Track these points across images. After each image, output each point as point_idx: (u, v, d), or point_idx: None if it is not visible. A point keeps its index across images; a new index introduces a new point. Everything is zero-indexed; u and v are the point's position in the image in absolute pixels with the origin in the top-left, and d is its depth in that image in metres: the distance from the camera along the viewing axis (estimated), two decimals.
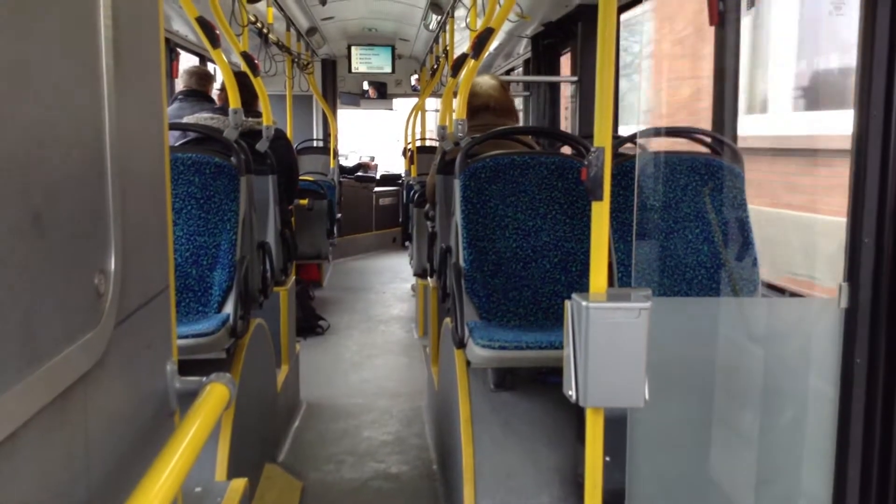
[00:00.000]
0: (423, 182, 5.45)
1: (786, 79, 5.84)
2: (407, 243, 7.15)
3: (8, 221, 0.78)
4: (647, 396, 1.65)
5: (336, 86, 10.44)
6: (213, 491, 1.87)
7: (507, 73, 7.76)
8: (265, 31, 5.76)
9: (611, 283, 2.02)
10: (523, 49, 6.84)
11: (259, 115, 4.01)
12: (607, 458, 1.73)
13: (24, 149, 0.82)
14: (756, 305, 2.50)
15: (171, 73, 5.32)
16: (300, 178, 5.28)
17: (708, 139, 3.09)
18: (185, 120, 3.74)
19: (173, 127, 3.52)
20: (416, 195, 6.02)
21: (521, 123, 4.40)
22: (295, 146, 6.56)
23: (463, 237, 2.86)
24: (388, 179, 11.10)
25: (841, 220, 1.86)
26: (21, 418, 0.80)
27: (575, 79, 5.41)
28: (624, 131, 4.54)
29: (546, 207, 2.93)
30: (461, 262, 2.85)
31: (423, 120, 8.95)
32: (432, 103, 9.77)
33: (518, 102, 7.33)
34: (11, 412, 0.77)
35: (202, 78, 4.46)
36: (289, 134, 6.72)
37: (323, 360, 5.49)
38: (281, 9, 6.15)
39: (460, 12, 5.48)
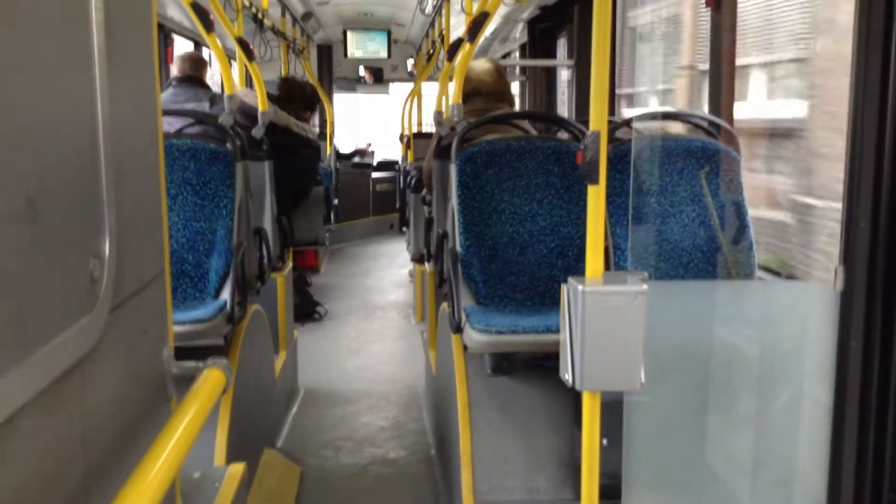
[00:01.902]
0: (420, 167, 5.44)
1: None
2: (404, 229, 7.15)
3: (2, 207, 0.78)
4: (643, 380, 1.65)
5: (332, 71, 10.40)
6: (212, 476, 1.87)
7: (504, 57, 7.74)
8: (260, 15, 5.72)
9: (607, 267, 2.02)
10: (520, 33, 6.82)
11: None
12: (604, 442, 1.73)
13: (17, 134, 0.81)
14: (752, 289, 2.50)
15: (166, 59, 5.29)
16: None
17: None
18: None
19: (169, 113, 3.51)
20: (413, 180, 6.01)
21: (516, 108, 4.40)
22: None
23: (459, 222, 2.86)
24: (385, 165, 11.07)
25: None
26: (17, 403, 0.80)
27: (571, 62, 5.39)
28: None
29: (542, 192, 2.92)
30: (458, 248, 2.85)
31: (419, 105, 8.92)
32: (429, 88, 9.74)
33: (514, 87, 7.32)
34: (7, 397, 0.77)
35: (196, 63, 4.44)
36: None
37: (321, 346, 5.50)
38: None
39: None
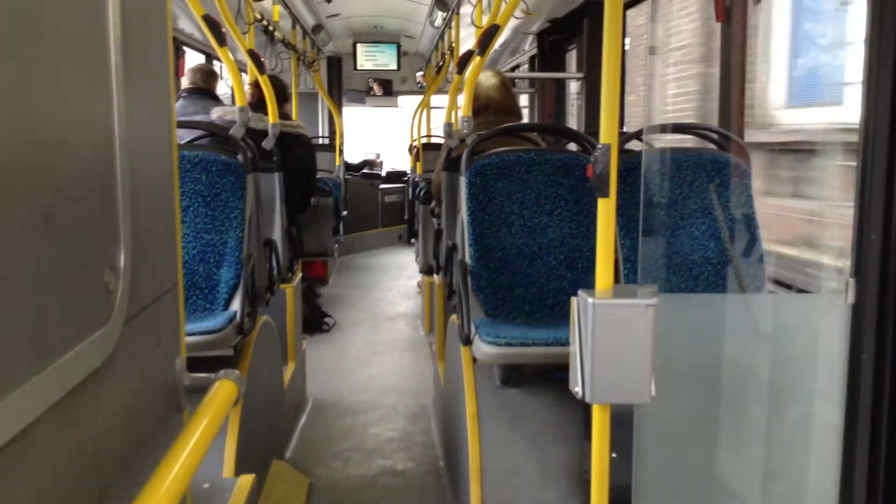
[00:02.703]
0: (429, 179, 5.45)
1: None
2: (413, 240, 7.16)
3: (19, 220, 0.78)
4: (653, 393, 1.65)
5: (341, 83, 10.45)
6: (222, 487, 1.87)
7: (513, 69, 7.76)
8: (271, 28, 5.77)
9: (617, 280, 2.02)
10: (529, 45, 6.84)
11: (287, 116, 4.05)
12: (614, 455, 1.73)
13: (34, 148, 0.82)
14: (762, 302, 2.50)
15: (177, 72, 5.34)
16: None
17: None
18: (214, 115, 3.77)
19: (182, 125, 3.54)
20: (423, 192, 6.03)
21: (525, 121, 4.41)
22: None
23: (469, 234, 2.87)
24: (394, 176, 11.09)
25: None
26: (32, 415, 0.80)
27: (581, 75, 5.41)
28: None
29: (552, 204, 2.93)
30: (467, 259, 2.85)
31: (428, 117, 8.94)
32: (438, 100, 9.78)
33: (524, 99, 7.34)
34: (22, 409, 0.78)
35: (207, 75, 4.48)
36: None
37: (329, 357, 5.50)
38: (286, 6, 6.16)
39: (466, 9, 5.48)
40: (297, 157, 4.28)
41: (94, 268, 0.98)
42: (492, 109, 3.52)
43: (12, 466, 0.78)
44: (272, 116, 3.86)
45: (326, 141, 9.81)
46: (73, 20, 0.94)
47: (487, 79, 3.63)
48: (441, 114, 7.07)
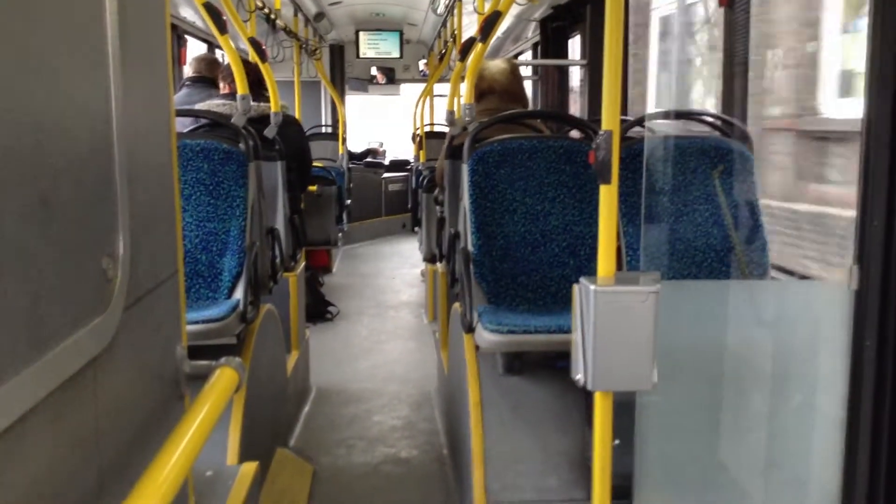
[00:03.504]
0: (432, 167, 5.44)
1: None
2: (416, 228, 7.16)
3: (16, 207, 0.78)
4: (655, 380, 1.65)
5: (344, 71, 10.43)
6: (225, 474, 1.88)
7: (516, 56, 7.73)
8: (272, 16, 5.74)
9: (619, 267, 2.02)
10: (532, 32, 6.81)
11: (269, 99, 4.00)
12: (616, 442, 1.73)
13: (32, 135, 0.82)
14: (765, 288, 2.49)
15: (179, 60, 5.32)
16: None
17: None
18: (196, 107, 3.74)
19: (182, 113, 3.52)
20: (426, 180, 6.02)
21: (529, 108, 4.39)
22: None
23: (471, 222, 2.86)
24: (397, 165, 11.08)
25: None
26: (30, 402, 0.80)
27: (584, 62, 5.39)
28: None
29: (554, 191, 2.92)
30: (470, 247, 2.85)
31: (431, 105, 8.92)
32: (441, 88, 9.75)
33: (527, 86, 7.30)
34: (21, 396, 0.78)
35: (211, 64, 4.46)
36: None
37: (333, 345, 5.51)
38: None
39: None
40: (290, 137, 4.24)
41: (92, 254, 0.98)
42: (496, 94, 3.49)
43: (11, 453, 0.78)
44: (273, 105, 3.84)
45: (329, 130, 9.80)
46: (70, 6, 0.93)
47: (496, 64, 3.60)
48: (444, 102, 7.06)
